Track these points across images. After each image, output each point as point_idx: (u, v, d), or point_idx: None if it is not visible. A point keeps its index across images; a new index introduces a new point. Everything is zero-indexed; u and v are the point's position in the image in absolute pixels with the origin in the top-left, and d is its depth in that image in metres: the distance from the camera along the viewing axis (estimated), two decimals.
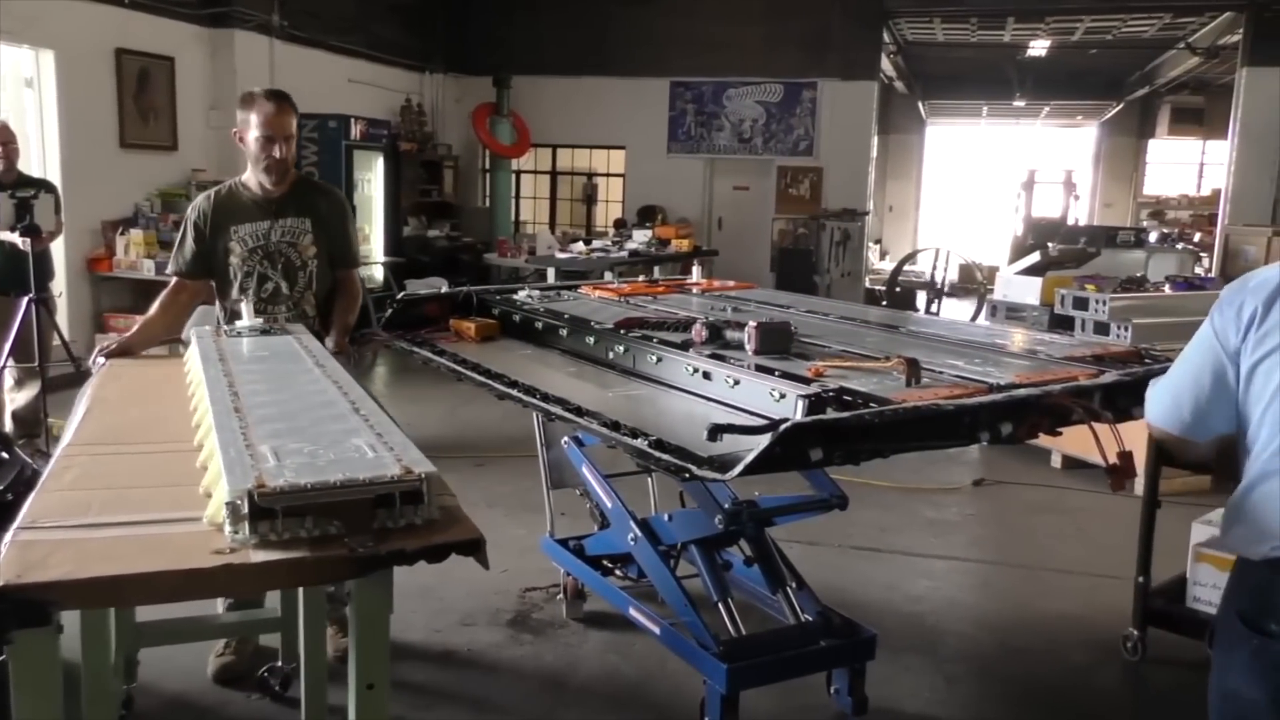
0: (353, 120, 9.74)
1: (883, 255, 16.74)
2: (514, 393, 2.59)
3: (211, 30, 8.65)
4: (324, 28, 9.87)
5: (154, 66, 8.10)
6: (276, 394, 2.13)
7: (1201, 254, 11.21)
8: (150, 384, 2.71)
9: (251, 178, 3.25)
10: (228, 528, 1.43)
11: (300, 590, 2.63)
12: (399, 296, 3.57)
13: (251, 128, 3.12)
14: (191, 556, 1.40)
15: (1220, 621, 1.81)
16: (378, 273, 9.98)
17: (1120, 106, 17.72)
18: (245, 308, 2.96)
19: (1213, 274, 8.72)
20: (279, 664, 3.11)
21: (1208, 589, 3.48)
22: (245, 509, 1.41)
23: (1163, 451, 3.50)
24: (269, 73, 9.14)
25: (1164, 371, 2.43)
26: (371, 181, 10.40)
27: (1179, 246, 10.85)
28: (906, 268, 12.81)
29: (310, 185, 3.39)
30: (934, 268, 11.93)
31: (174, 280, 3.31)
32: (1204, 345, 1.79)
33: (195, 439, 1.95)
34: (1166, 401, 1.85)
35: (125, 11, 7.76)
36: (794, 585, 3.08)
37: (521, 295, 3.62)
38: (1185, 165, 18.45)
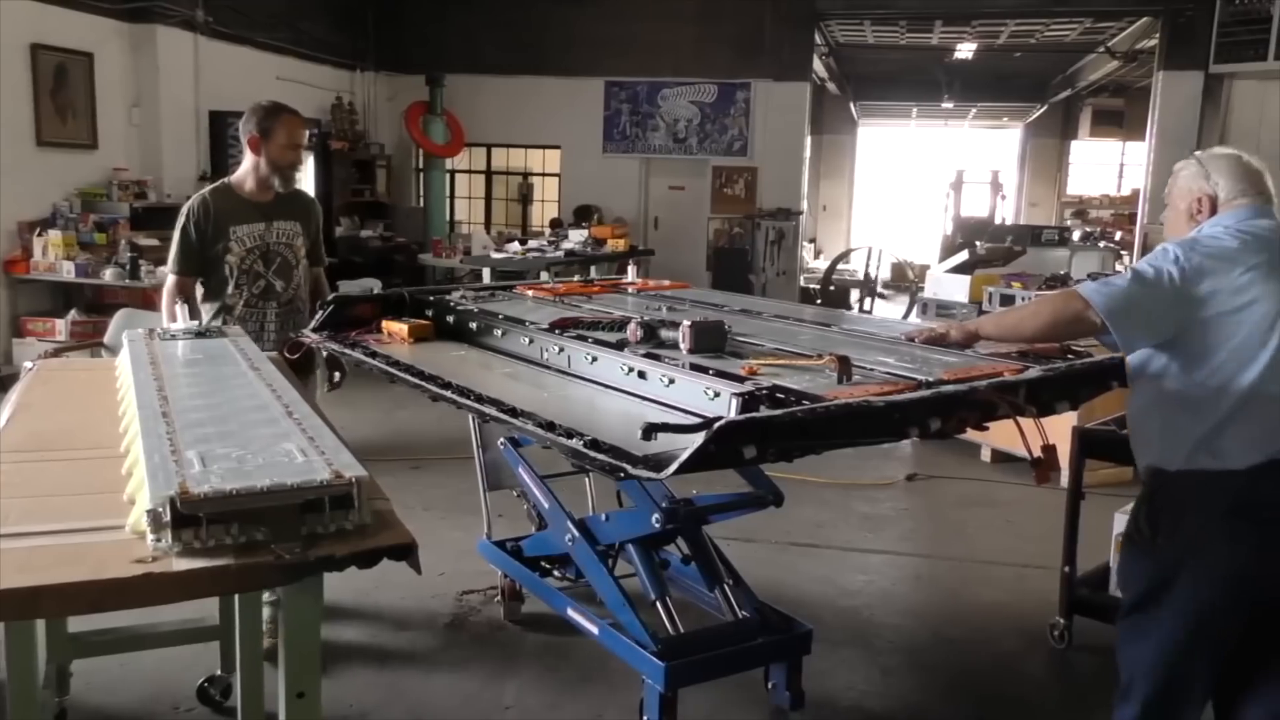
0: None
1: (817, 254, 16.94)
2: (448, 394, 2.57)
3: (132, 26, 8.40)
4: (250, 24, 9.67)
5: (71, 62, 7.85)
6: (208, 398, 2.09)
7: (1122, 252, 11.55)
8: (79, 389, 2.63)
9: (249, 181, 3.48)
10: (150, 536, 1.40)
11: (236, 598, 2.59)
12: (330, 298, 3.51)
13: (279, 137, 3.42)
14: (111, 566, 1.36)
15: (1198, 532, 2.28)
16: None
17: (1044, 109, 18.19)
18: (180, 310, 2.94)
19: None
20: (219, 673, 3.05)
21: None
22: (167, 516, 1.38)
23: (1086, 445, 3.62)
24: (194, 70, 8.93)
25: (1085, 369, 2.52)
26: (301, 181, 10.22)
27: (1101, 245, 11.16)
28: (840, 266, 12.99)
29: (293, 191, 3.64)
30: (867, 266, 12.12)
31: (174, 279, 3.47)
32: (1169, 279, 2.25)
33: (122, 444, 1.90)
34: (1118, 296, 2.26)
35: (41, 6, 7.51)
36: (731, 582, 3.10)
37: (456, 296, 3.58)
38: (1106, 166, 19.01)
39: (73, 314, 7.24)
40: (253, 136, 3.43)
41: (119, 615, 2.63)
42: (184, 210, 3.46)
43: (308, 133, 3.57)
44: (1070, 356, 2.59)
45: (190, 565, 1.37)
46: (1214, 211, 2.48)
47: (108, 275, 7.15)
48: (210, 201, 3.44)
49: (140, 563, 1.37)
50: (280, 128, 3.42)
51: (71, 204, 7.78)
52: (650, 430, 1.94)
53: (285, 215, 3.52)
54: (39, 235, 7.39)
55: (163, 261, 7.40)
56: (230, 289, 3.43)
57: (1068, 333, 2.46)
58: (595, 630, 3.05)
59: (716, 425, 1.87)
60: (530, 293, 3.74)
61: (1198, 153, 2.62)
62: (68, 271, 7.23)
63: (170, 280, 3.47)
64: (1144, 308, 2.26)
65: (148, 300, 6.95)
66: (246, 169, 3.48)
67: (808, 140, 12.56)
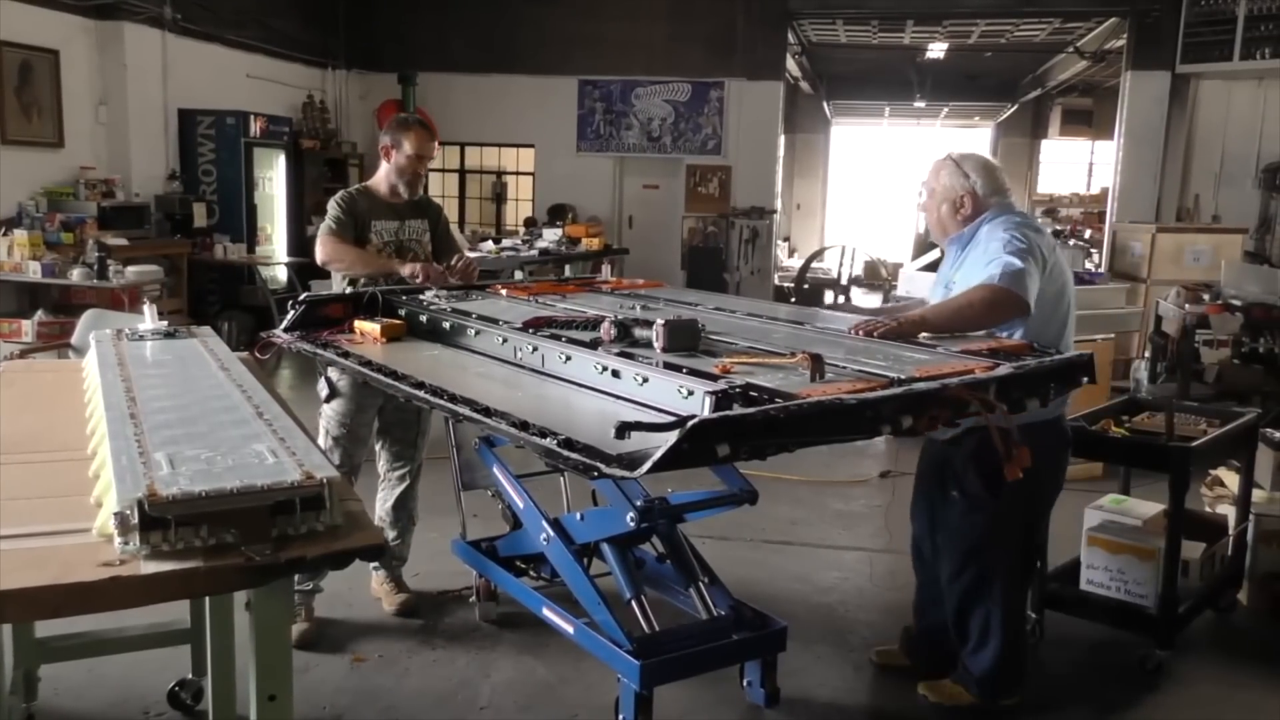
0: (252, 117, 9.47)
1: (791, 253, 17.00)
2: (421, 394, 2.55)
3: (99, 23, 8.29)
4: (219, 21, 9.56)
5: (37, 60, 7.74)
6: (177, 399, 2.07)
7: (1092, 249, 11.67)
8: (45, 390, 2.60)
9: (383, 185, 3.83)
10: (117, 539, 1.38)
11: (207, 600, 2.57)
12: (302, 298, 3.48)
13: (405, 148, 3.73)
14: (77, 570, 1.35)
15: (1038, 471, 2.65)
16: (281, 273, 9.74)
17: (1014, 108, 18.35)
18: (148, 311, 2.91)
19: (1102, 269, 9.07)
20: (190, 676, 3.02)
21: (1099, 571, 3.63)
22: (135, 519, 1.36)
23: None
24: (162, 68, 8.83)
25: (1054, 365, 2.54)
26: (273, 180, 10.14)
27: (1071, 243, 11.27)
28: (814, 265, 13.03)
29: (422, 198, 4.00)
30: (840, 264, 12.18)
31: (331, 233, 3.75)
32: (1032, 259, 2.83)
33: (89, 446, 1.88)
34: (1021, 278, 2.76)
35: (5, 2, 7.39)
36: (706, 580, 3.11)
37: (429, 295, 3.56)
38: (1076, 165, 19.18)
39: (39, 315, 7.12)
40: (385, 145, 3.79)
41: (87, 619, 2.60)
42: (333, 200, 3.81)
43: (435, 145, 3.91)
44: (1038, 354, 2.62)
45: (159, 568, 1.36)
46: (976, 206, 2.95)
47: (75, 275, 7.05)
48: (355, 197, 3.81)
49: (107, 566, 1.35)
50: (406, 140, 3.73)
51: (38, 203, 7.66)
52: (624, 429, 1.93)
53: (415, 216, 3.87)
54: (4, 235, 7.27)
55: (131, 261, 7.38)
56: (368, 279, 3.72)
57: (1002, 318, 2.80)
58: (571, 630, 3.05)
59: (690, 424, 1.87)
60: (504, 292, 3.73)
61: (950, 154, 3.08)
62: (34, 272, 7.12)
63: (328, 232, 3.72)
64: (1034, 281, 2.77)
65: (116, 300, 6.86)
66: (381, 174, 3.84)
67: (781, 139, 12.60)
